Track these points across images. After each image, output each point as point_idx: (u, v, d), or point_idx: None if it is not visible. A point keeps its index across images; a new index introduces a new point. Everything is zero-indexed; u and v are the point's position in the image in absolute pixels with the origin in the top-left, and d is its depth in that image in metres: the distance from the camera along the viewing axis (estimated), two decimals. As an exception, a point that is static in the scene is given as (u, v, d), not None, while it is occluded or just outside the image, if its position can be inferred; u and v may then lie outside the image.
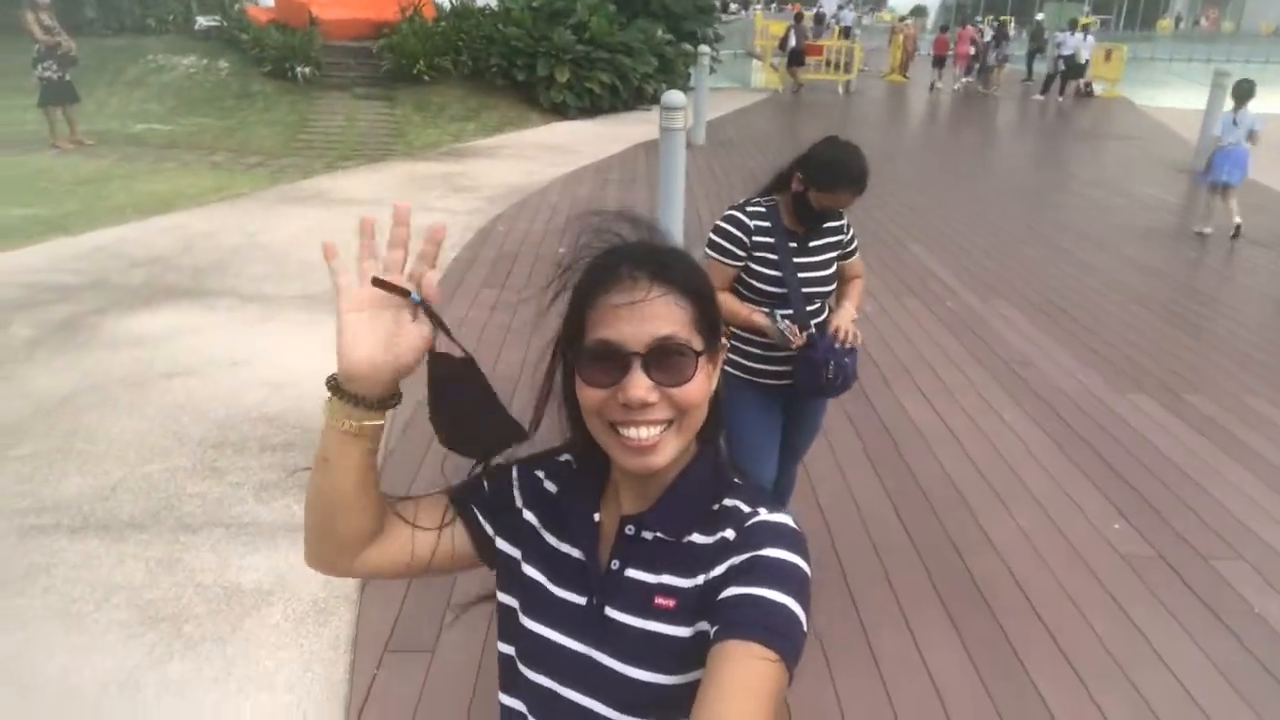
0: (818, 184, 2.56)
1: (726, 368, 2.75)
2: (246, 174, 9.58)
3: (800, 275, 2.66)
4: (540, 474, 1.10)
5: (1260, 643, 2.95)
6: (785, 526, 0.98)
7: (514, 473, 1.11)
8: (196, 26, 13.86)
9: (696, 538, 0.99)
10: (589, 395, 0.94)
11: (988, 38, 22.98)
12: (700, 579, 0.96)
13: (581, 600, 1.01)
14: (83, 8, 13.64)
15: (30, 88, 10.53)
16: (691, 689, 0.90)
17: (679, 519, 1.00)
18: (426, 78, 13.35)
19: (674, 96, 6.45)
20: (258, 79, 13.08)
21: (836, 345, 2.66)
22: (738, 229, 2.67)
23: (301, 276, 6.18)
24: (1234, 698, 2.70)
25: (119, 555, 3.18)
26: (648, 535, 1.01)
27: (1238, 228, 8.29)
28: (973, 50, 22.38)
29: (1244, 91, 8.55)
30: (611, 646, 0.98)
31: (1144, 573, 3.32)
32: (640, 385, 0.91)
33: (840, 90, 19.84)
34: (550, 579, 1.04)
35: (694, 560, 0.98)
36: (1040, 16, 26.33)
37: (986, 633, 2.97)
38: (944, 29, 24.79)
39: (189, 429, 4.10)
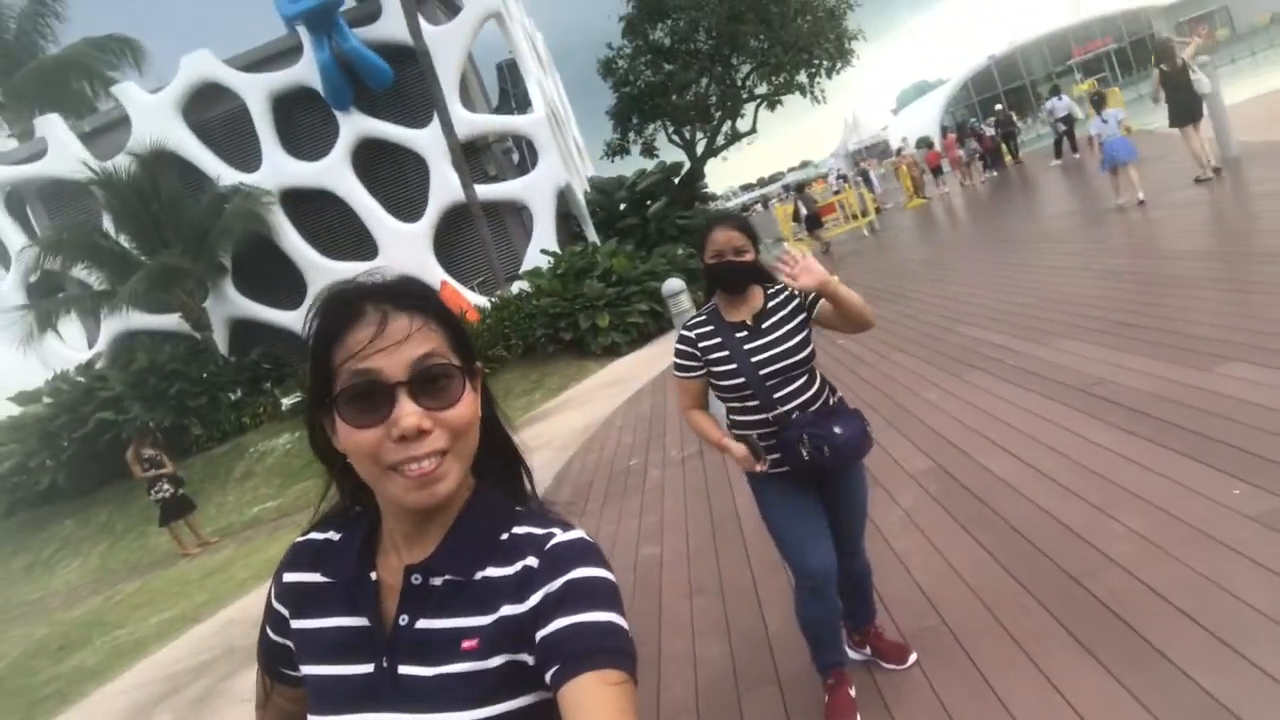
0: (700, 245, 2.74)
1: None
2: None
3: (759, 358, 2.67)
4: (293, 576, 1.04)
5: None
6: (583, 543, 0.96)
7: (271, 592, 1.06)
8: (284, 408, 15.30)
9: (490, 571, 0.95)
10: (358, 440, 0.89)
11: (990, 133, 23.80)
12: (505, 610, 0.92)
13: (369, 668, 0.95)
14: (188, 430, 15.23)
15: (153, 514, 11.64)
16: (512, 718, 0.91)
17: (467, 556, 0.95)
18: (487, 371, 14.04)
19: (672, 284, 6.79)
20: (344, 432, 14.16)
21: (805, 427, 2.63)
22: (685, 344, 2.79)
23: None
24: None
25: None
26: (436, 580, 0.95)
27: (1141, 199, 10.54)
28: (969, 149, 23.32)
29: (1099, 99, 11.88)
30: (410, 703, 0.92)
31: (1280, 524, 2.96)
32: (411, 412, 0.87)
33: (866, 232, 20.36)
34: (333, 662, 0.97)
35: (492, 595, 0.93)
36: (999, 108, 27.00)
37: (1130, 650, 2.64)
38: (929, 145, 26.02)
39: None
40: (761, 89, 28.30)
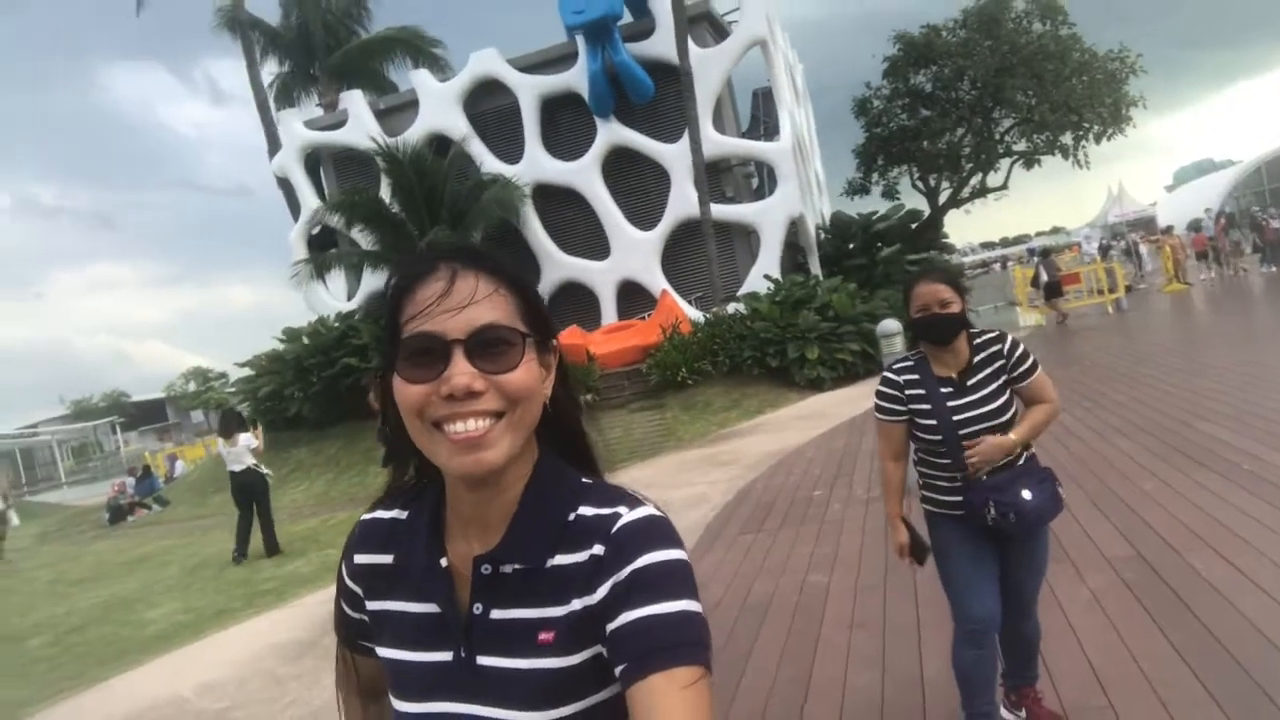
0: (906, 298, 2.80)
1: (925, 504, 2.82)
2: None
3: (961, 417, 2.70)
4: (364, 558, 1.03)
5: None
6: (650, 521, 0.93)
7: (343, 571, 1.06)
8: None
9: (560, 559, 0.92)
10: (409, 393, 0.88)
11: (1276, 224, 21.67)
12: (577, 604, 0.90)
13: (448, 656, 0.93)
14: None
15: (378, 455, 12.87)
16: (586, 717, 0.89)
17: (535, 543, 0.93)
18: (690, 381, 14.65)
19: (889, 325, 6.78)
20: (550, 414, 15.05)
21: (992, 491, 2.65)
22: (890, 387, 2.86)
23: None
24: None
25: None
26: (507, 569, 0.93)
27: None
28: (1233, 239, 21.58)
29: None
30: (494, 696, 0.90)
31: None
32: (464, 371, 0.86)
33: (1110, 310, 19.00)
34: (411, 647, 0.96)
35: (564, 585, 0.91)
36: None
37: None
38: (1198, 228, 23.95)
39: None
40: (1020, 145, 27.09)
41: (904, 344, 6.79)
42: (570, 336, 16.35)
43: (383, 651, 0.99)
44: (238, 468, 9.77)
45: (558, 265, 19.02)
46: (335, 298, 20.96)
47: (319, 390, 16.76)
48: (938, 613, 4.07)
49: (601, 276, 18.81)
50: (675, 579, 0.88)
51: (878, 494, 6.75)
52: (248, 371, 18.63)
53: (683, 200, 17.97)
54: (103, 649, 6.63)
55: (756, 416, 13.15)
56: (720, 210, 17.72)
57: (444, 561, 0.95)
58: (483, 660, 0.91)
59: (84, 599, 8.88)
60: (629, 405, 14.87)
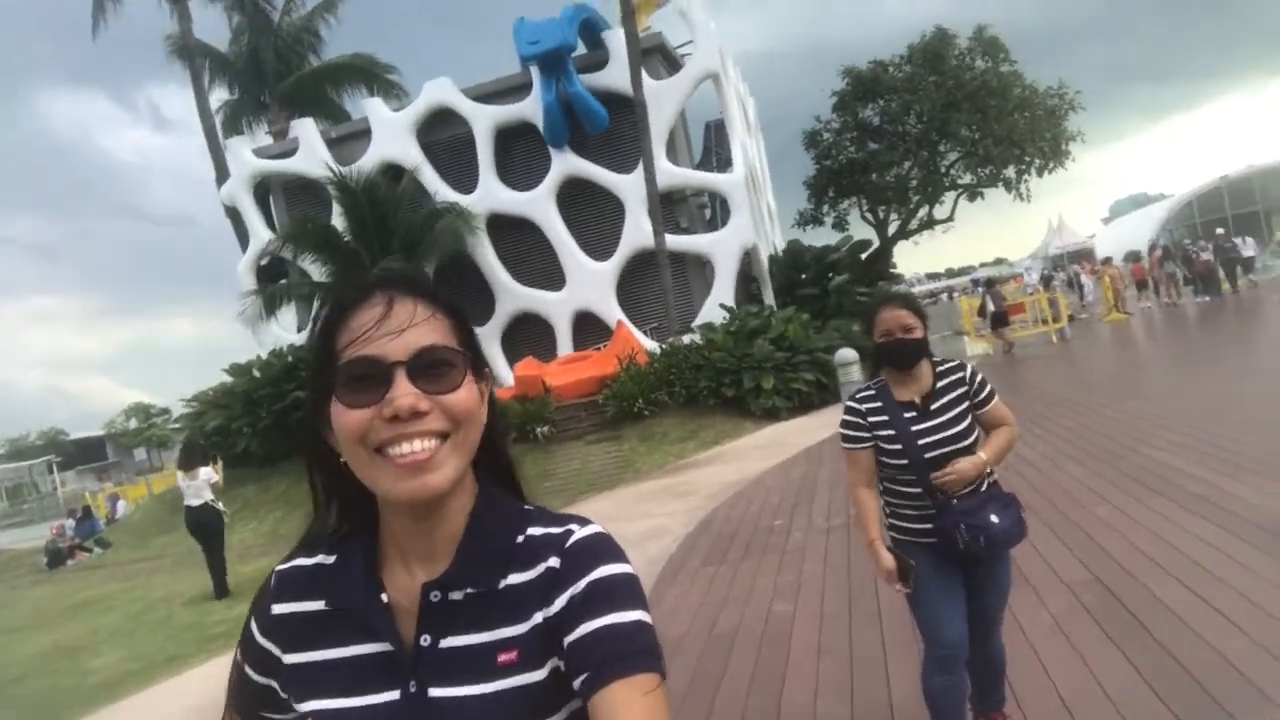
0: (868, 325, 2.84)
1: (891, 533, 2.84)
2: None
3: (926, 440, 2.74)
4: (285, 607, 0.97)
5: None
6: (601, 537, 0.94)
7: (253, 627, 0.99)
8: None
9: (514, 579, 0.91)
10: (350, 419, 0.86)
11: (1206, 256, 22.55)
12: (538, 617, 0.90)
13: (394, 695, 0.89)
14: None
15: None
16: None
17: (487, 566, 0.91)
18: (646, 413, 14.63)
19: (845, 354, 6.86)
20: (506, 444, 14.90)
21: (963, 515, 2.69)
22: (853, 415, 2.89)
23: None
24: None
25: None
26: (457, 595, 0.91)
27: None
28: (1168, 270, 22.56)
29: None
30: None
31: None
32: (408, 392, 0.85)
33: (1054, 339, 19.48)
34: (348, 694, 0.91)
35: (521, 602, 0.90)
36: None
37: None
38: (1137, 258, 24.92)
39: None
40: (965, 178, 27.81)
41: (862, 372, 6.88)
42: (526, 368, 16.27)
43: (310, 705, 0.93)
44: (195, 502, 9.47)
45: (512, 296, 18.96)
46: (285, 330, 20.62)
47: (268, 424, 16.41)
48: (903, 638, 4.10)
49: (557, 307, 18.79)
50: (629, 591, 0.90)
51: (838, 522, 6.79)
52: (194, 407, 18.15)
53: (637, 230, 18.08)
54: (45, 701, 6.34)
55: (714, 447, 13.17)
56: (675, 240, 17.86)
57: (385, 597, 0.92)
58: (435, 692, 0.88)
59: (23, 648, 8.50)
60: (586, 437, 14.79)
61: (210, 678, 6.02)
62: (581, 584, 0.89)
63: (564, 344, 18.64)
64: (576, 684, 0.86)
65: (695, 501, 9.02)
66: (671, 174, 18.11)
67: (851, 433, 2.87)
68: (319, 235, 17.79)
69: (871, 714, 3.49)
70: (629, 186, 18.19)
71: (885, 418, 2.80)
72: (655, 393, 14.84)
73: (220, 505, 9.75)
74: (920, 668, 2.91)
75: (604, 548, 0.93)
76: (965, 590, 2.83)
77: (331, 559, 0.97)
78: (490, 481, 0.99)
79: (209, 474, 9.66)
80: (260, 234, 20.22)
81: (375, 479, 0.87)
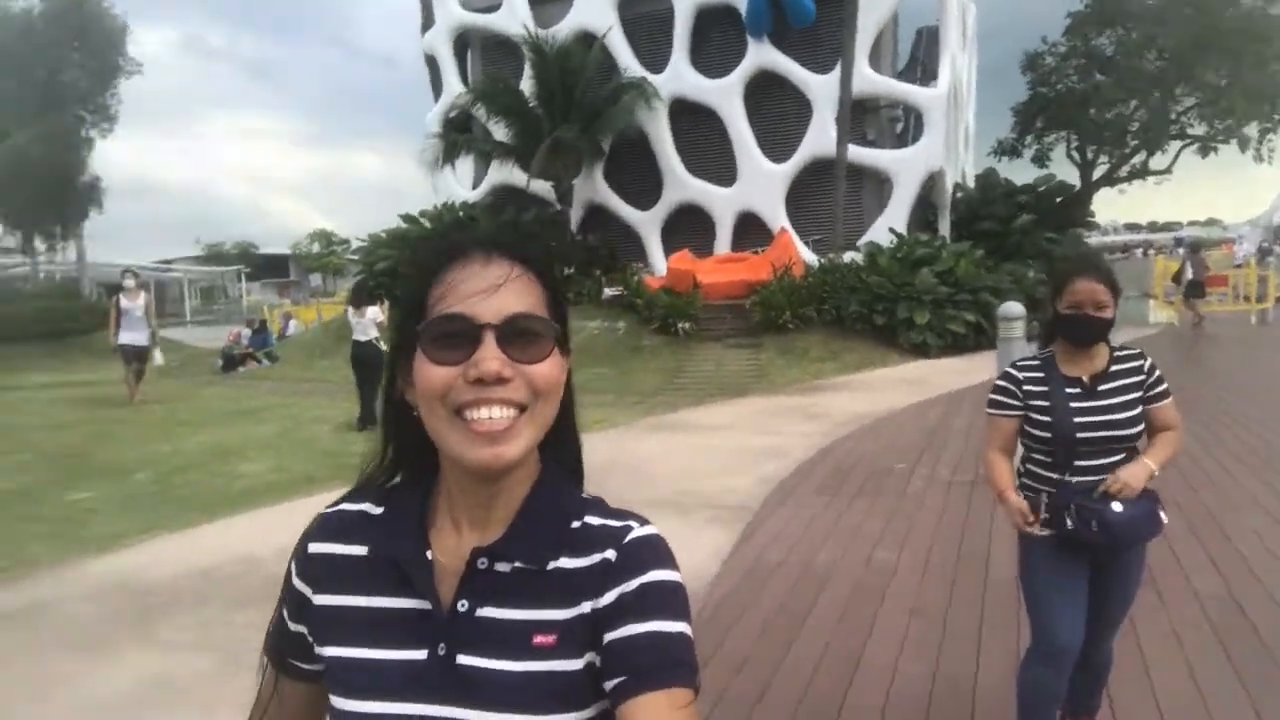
0: (1057, 289, 2.60)
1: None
2: (626, 409, 10.91)
3: (1084, 420, 2.57)
4: (323, 547, 0.96)
5: None
6: (659, 540, 0.93)
7: (292, 569, 0.98)
8: (604, 296, 16.50)
9: (565, 562, 0.90)
10: (433, 376, 0.85)
11: None
12: (586, 607, 0.88)
13: (421, 654, 0.88)
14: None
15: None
16: None
17: (539, 543, 0.90)
18: (791, 326, 14.39)
19: (1012, 307, 6.43)
20: (647, 335, 15.10)
21: (1095, 494, 2.49)
22: (1009, 382, 2.73)
23: (649, 486, 6.81)
24: None
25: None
26: (504, 567, 0.89)
27: None
28: None
29: None
30: (476, 699, 0.86)
31: None
32: (495, 356, 0.84)
33: (1253, 321, 17.65)
34: (372, 644, 0.90)
35: (570, 588, 0.89)
36: None
37: None
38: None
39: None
40: (1197, 129, 25.04)
41: (1023, 330, 6.45)
42: (680, 261, 16.20)
43: (331, 650, 0.92)
44: (361, 338, 10.17)
45: (680, 185, 18.74)
46: (461, 184, 21.25)
47: (431, 275, 17.19)
48: (1005, 616, 3.94)
49: (722, 204, 18.47)
50: (679, 600, 0.89)
51: (964, 478, 6.52)
52: (367, 245, 19.22)
53: (821, 136, 17.33)
54: (197, 495, 7.06)
55: (853, 373, 12.85)
56: (857, 153, 17.02)
57: (429, 555, 0.91)
58: (464, 660, 0.87)
59: (188, 441, 9.45)
60: (725, 340, 14.74)
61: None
62: (634, 584, 0.88)
63: (722, 243, 18.39)
64: (608, 686, 0.85)
65: (821, 426, 8.88)
66: (869, 81, 17.11)
67: (1002, 398, 2.73)
68: (507, 97, 18.00)
69: (953, 689, 3.38)
70: (821, 88, 17.35)
71: (1044, 389, 2.64)
72: (804, 307, 14.53)
73: (382, 344, 10.39)
74: (1018, 654, 2.79)
75: (661, 551, 0.92)
76: (1089, 587, 2.66)
77: (379, 509, 0.96)
78: (553, 461, 0.97)
79: (375, 313, 10.30)
80: (453, 87, 20.66)
81: (449, 440, 0.86)
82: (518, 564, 0.89)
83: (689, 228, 18.59)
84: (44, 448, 9.16)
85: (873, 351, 13.91)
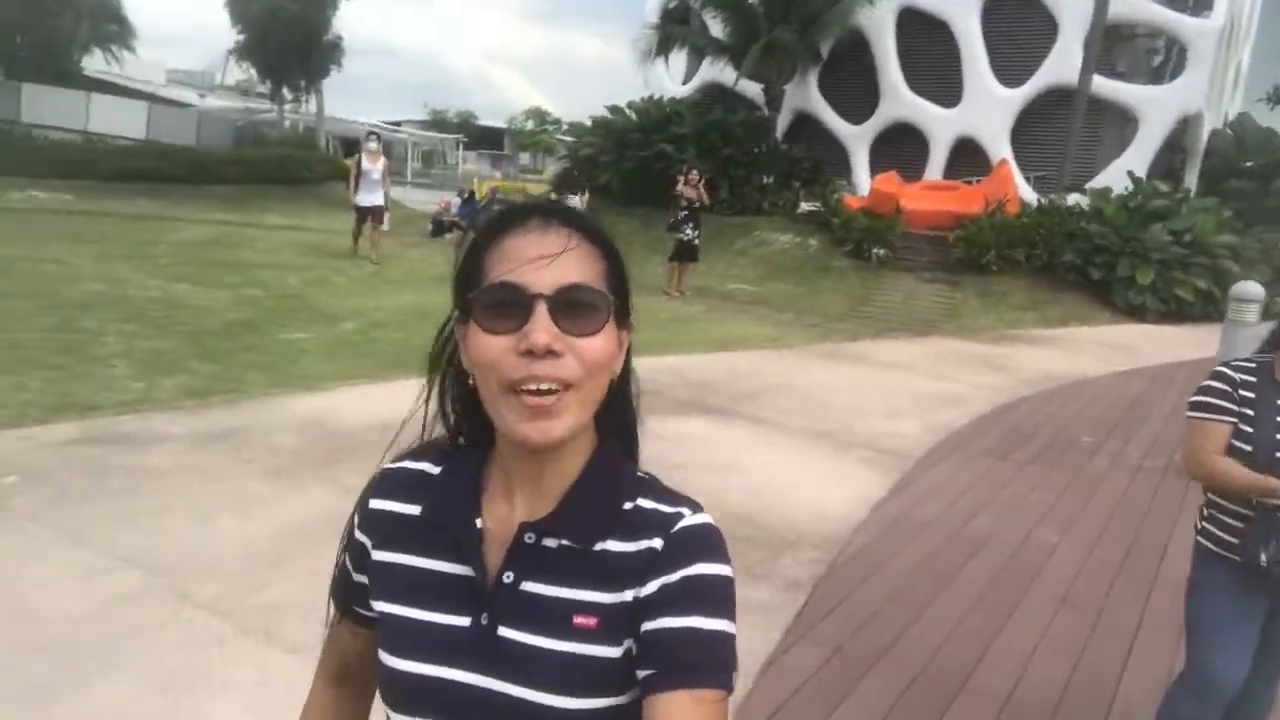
0: None
1: (1201, 539, 2.47)
2: (803, 331, 10.75)
3: None
4: (383, 504, 0.97)
5: None
6: (711, 529, 0.90)
7: (355, 520, 0.99)
8: (799, 210, 16.08)
9: (612, 545, 0.89)
10: (485, 345, 0.84)
11: None
12: (628, 594, 0.87)
13: (465, 621, 0.89)
14: (718, 191, 16.76)
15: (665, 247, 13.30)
16: (617, 713, 0.87)
17: (588, 523, 0.89)
18: (994, 268, 13.54)
19: (1248, 287, 5.78)
20: (838, 256, 14.66)
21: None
22: (1223, 383, 2.46)
23: (812, 414, 6.74)
24: None
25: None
26: (551, 543, 0.89)
27: None
28: None
29: None
30: (515, 673, 0.86)
31: None
32: (545, 328, 0.82)
33: None
34: (420, 605, 0.91)
35: (614, 572, 0.88)
36: None
37: None
38: None
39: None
40: None
41: (1258, 316, 5.79)
42: (885, 183, 15.50)
43: (383, 606, 0.93)
44: None
45: (897, 100, 17.77)
46: (673, 79, 21.03)
47: (631, 167, 17.29)
48: (1168, 623, 3.69)
49: (941, 126, 17.38)
50: (723, 595, 0.86)
51: (1155, 463, 6.06)
52: (574, 132, 19.48)
53: (1063, 62, 15.84)
54: (393, 351, 7.62)
55: (1055, 327, 12.03)
56: (1102, 84, 15.44)
57: (479, 522, 0.91)
58: (504, 631, 0.87)
59: (393, 299, 10.16)
60: (920, 273, 14.10)
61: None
62: (677, 575, 0.85)
63: (934, 168, 17.40)
64: (639, 675, 0.84)
65: (1007, 381, 8.42)
66: (1129, 3, 15.34)
67: (1214, 400, 2.45)
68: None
69: (1090, 693, 3.23)
70: (1071, 8, 15.77)
71: (1252, 395, 2.38)
72: (1012, 249, 13.61)
73: None
74: (1173, 673, 2.62)
75: (710, 541, 0.88)
76: (1261, 625, 2.44)
77: (437, 470, 0.96)
78: (611, 439, 0.95)
79: (576, 203, 10.58)
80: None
81: (500, 411, 0.85)
82: (564, 541, 0.88)
83: (900, 148, 17.68)
84: (270, 285, 10.12)
85: (1081, 307, 12.92)
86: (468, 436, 0.98)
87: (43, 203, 16.55)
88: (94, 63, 26.64)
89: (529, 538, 0.88)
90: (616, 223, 17.01)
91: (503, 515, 0.91)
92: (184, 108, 28.29)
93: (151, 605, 3.22)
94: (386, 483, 0.98)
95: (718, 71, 18.80)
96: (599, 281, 0.86)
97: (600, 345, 0.85)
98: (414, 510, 0.94)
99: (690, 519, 0.89)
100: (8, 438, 4.67)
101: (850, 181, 17.84)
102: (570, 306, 0.83)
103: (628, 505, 0.90)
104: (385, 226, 14.01)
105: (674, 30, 18.92)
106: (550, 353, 0.82)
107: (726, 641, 0.85)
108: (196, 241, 13.28)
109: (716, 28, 18.21)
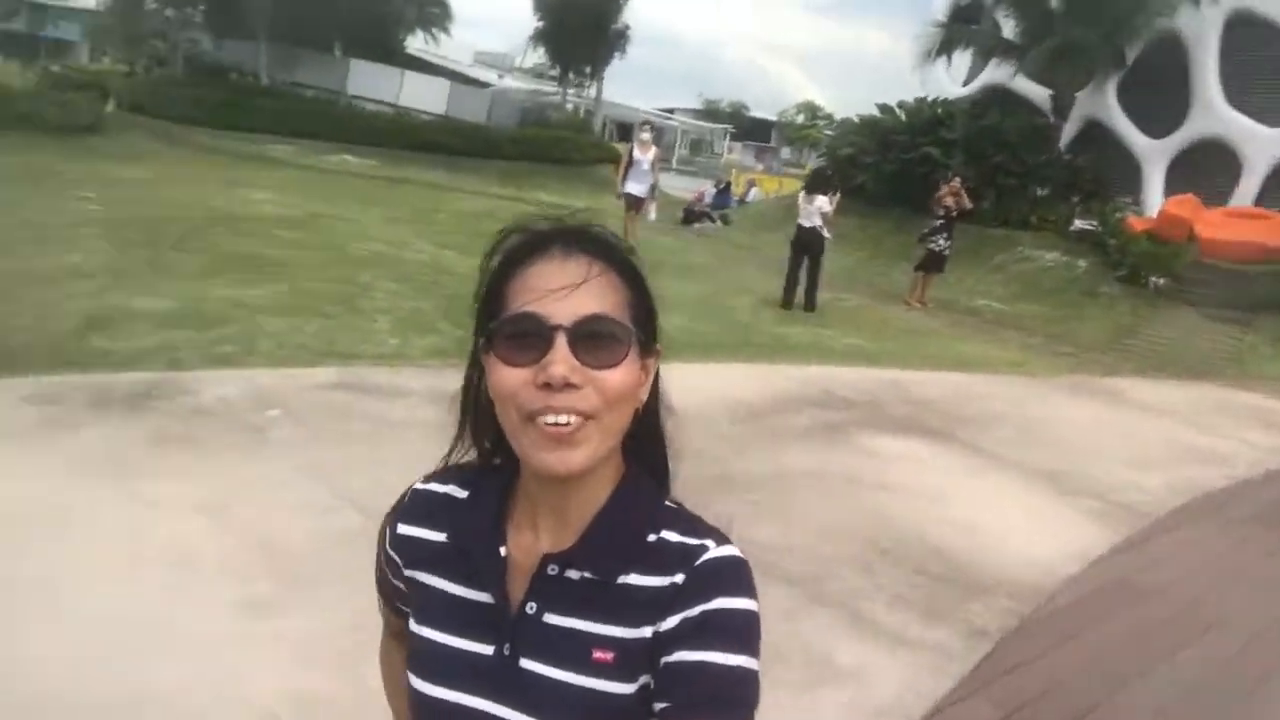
0: None
1: None
2: (1050, 358, 9.96)
3: None
4: (409, 529, 0.98)
5: None
6: (735, 562, 0.88)
7: (385, 541, 1.01)
8: (1072, 227, 14.77)
9: (635, 579, 0.88)
10: (505, 377, 0.84)
11: None
12: (648, 631, 0.86)
13: (488, 650, 0.89)
14: (981, 200, 15.72)
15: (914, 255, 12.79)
16: None
17: (611, 556, 0.89)
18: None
19: None
20: (1109, 281, 13.33)
21: None
22: None
23: (1040, 450, 6.25)
24: None
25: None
26: (573, 575, 0.89)
27: None
28: None
29: None
30: (533, 705, 0.87)
31: None
32: (564, 360, 0.81)
33: None
34: (447, 630, 0.92)
35: (636, 606, 0.87)
36: None
37: None
38: None
39: (866, 527, 4.63)
40: None
41: None
42: (1179, 206, 13.91)
43: (417, 628, 0.95)
44: (805, 223, 10.67)
45: (1208, 114, 15.79)
46: (953, 79, 20.01)
47: (892, 170, 16.67)
48: None
49: (1260, 146, 15.25)
50: (744, 630, 0.84)
51: None
52: (838, 130, 19.06)
53: None
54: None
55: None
56: None
57: (503, 550, 0.91)
58: (526, 663, 0.87)
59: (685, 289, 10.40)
60: (1205, 308, 12.51)
61: (728, 381, 6.96)
62: (697, 610, 0.84)
63: (1245, 193, 15.30)
64: (656, 707, 0.84)
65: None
66: None
67: None
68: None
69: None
70: None
71: None
72: None
73: (826, 232, 10.69)
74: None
75: (734, 575, 0.87)
76: None
77: (464, 493, 0.97)
78: (638, 468, 0.94)
79: (823, 203, 10.59)
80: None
81: (521, 441, 0.85)
82: (586, 574, 0.88)
83: (1205, 168, 15.69)
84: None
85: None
86: (502, 459, 0.98)
87: (351, 167, 18.81)
88: (414, 42, 29.71)
89: (552, 569, 0.88)
90: (867, 225, 16.61)
91: (527, 545, 0.91)
92: (481, 88, 30.72)
93: (364, 549, 3.61)
94: (414, 506, 0.99)
95: (1004, 74, 17.62)
96: (620, 311, 0.86)
97: (620, 377, 0.84)
98: (440, 537, 0.95)
99: (714, 552, 0.88)
100: (279, 375, 5.42)
101: (1138, 200, 16.10)
102: (590, 338, 0.83)
103: (651, 537, 0.89)
104: (653, 216, 14.25)
105: (959, 30, 17.96)
106: (569, 385, 0.82)
107: (746, 677, 0.83)
108: (472, 212, 14.49)
109: (1009, 28, 17.06)
